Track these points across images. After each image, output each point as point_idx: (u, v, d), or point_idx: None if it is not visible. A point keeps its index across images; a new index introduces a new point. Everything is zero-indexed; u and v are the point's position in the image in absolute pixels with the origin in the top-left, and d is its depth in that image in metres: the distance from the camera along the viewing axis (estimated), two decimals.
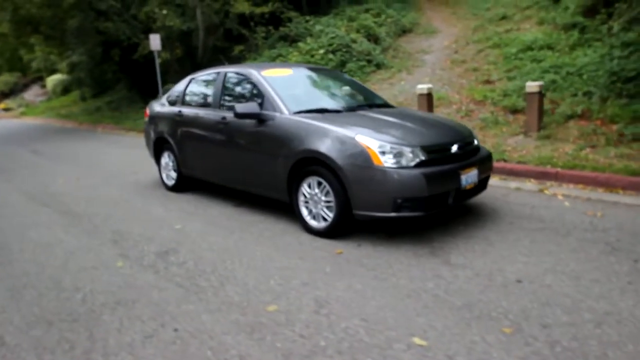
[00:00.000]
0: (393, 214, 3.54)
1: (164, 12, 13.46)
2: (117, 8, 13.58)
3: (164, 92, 14.41)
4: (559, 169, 5.28)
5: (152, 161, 6.26)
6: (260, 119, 4.28)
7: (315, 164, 3.85)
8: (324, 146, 3.71)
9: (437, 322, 2.53)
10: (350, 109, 4.44)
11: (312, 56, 13.08)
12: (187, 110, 5.36)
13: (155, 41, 12.80)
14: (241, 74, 4.83)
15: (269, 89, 4.38)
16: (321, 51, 12.91)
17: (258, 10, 14.27)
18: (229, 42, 15.58)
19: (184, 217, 4.72)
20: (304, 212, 4.03)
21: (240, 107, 4.23)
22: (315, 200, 3.91)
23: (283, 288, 3.03)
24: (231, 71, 4.98)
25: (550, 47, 10.73)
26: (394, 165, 3.49)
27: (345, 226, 3.80)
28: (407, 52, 13.92)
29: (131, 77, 17.95)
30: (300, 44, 13.82)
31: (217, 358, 2.31)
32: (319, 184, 3.85)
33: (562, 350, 2.24)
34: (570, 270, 3.09)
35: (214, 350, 2.38)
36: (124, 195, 5.79)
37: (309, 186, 3.94)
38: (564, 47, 10.53)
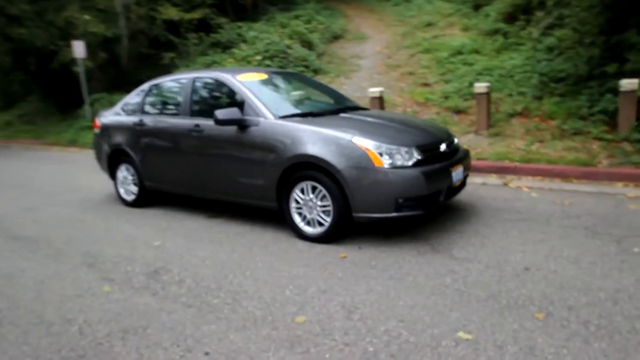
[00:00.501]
0: (394, 214, 3.56)
1: (86, 17, 12.57)
2: (30, 13, 12.45)
3: (91, 103, 13.46)
4: (517, 163, 5.62)
5: (93, 177, 5.79)
6: (242, 125, 4.11)
7: (309, 169, 3.76)
8: (320, 150, 3.65)
9: (472, 315, 2.57)
10: (332, 112, 4.41)
11: (249, 62, 12.89)
12: (149, 119, 5.03)
13: (79, 48, 11.91)
14: (213, 79, 4.62)
15: (249, 94, 4.23)
16: (258, 57, 12.76)
17: (187, 16, 13.80)
18: (156, 50, 14.90)
19: (158, 232, 4.41)
20: (297, 218, 3.93)
21: (221, 113, 4.04)
22: (309, 206, 3.83)
23: (302, 297, 2.92)
24: (200, 77, 4.75)
25: (477, 52, 11.43)
26: (394, 166, 3.51)
27: (343, 230, 3.76)
28: (341, 57, 14.17)
29: (46, 88, 16.54)
30: (235, 50, 13.57)
31: None
32: (314, 188, 3.77)
33: (596, 329, 2.37)
34: (566, 255, 3.29)
35: None
36: (76, 214, 5.29)
37: (302, 192, 3.84)
38: (491, 51, 11.27)
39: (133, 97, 5.42)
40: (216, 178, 4.42)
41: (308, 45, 14.44)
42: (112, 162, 5.55)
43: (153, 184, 5.11)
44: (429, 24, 15.23)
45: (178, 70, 13.74)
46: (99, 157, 5.80)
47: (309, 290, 3.00)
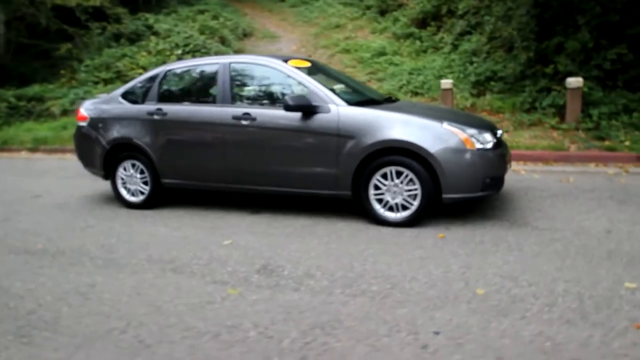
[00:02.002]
0: (480, 194, 3.81)
1: None
2: None
3: None
4: None
5: (34, 181, 5.02)
6: (310, 112, 3.98)
7: (392, 154, 3.81)
8: (412, 135, 3.73)
9: (617, 268, 2.94)
10: (387, 101, 4.49)
11: (167, 56, 12.08)
12: (172, 108, 4.53)
13: None
14: (259, 65, 4.37)
15: (311, 81, 4.11)
16: (178, 51, 12.02)
17: (90, 2, 12.34)
18: (46, 40, 13.06)
19: (212, 232, 4.03)
20: (376, 205, 3.95)
21: (293, 99, 3.89)
22: (393, 191, 3.88)
23: (454, 274, 3.00)
24: (238, 62, 4.45)
25: (397, 53, 12.29)
26: (481, 148, 3.76)
27: (428, 212, 3.89)
28: (259, 54, 14.01)
29: None
30: (150, 43, 12.56)
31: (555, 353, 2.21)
32: (399, 173, 3.83)
33: None
34: (627, 218, 3.86)
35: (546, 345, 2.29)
36: (71, 220, 4.53)
37: (384, 177, 3.88)
38: (410, 53, 12.20)
39: (140, 84, 4.81)
40: (273, 169, 4.20)
41: (222, 41, 14.01)
42: (109, 159, 4.85)
43: (175, 181, 4.61)
44: (337, 26, 15.81)
45: (82, 63, 12.25)
46: (85, 155, 5.03)
47: (452, 268, 3.10)
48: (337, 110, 3.94)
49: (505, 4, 9.73)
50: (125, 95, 4.84)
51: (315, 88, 4.06)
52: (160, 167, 4.59)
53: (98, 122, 4.85)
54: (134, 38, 13.31)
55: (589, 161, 5.82)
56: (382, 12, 15.32)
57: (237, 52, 14.29)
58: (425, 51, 12.00)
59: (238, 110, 4.25)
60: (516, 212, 4.16)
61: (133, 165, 4.76)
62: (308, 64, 4.57)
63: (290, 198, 4.78)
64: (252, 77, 4.45)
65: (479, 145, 3.75)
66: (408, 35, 13.10)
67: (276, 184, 4.26)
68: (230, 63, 4.42)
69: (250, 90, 4.41)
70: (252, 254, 3.52)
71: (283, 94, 4.22)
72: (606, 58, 6.86)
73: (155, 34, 13.23)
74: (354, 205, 4.29)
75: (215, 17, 15.37)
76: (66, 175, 6.91)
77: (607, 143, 6.02)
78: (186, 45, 12.29)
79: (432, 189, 3.77)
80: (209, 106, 4.41)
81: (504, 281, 2.88)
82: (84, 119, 4.98)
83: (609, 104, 6.50)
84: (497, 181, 3.87)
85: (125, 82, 11.59)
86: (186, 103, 4.57)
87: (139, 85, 4.82)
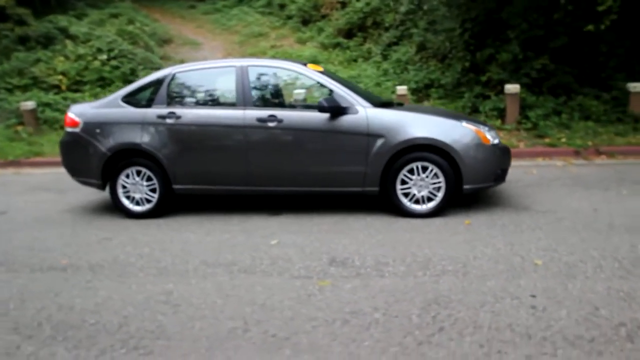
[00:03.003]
0: (492, 184, 4.33)
1: None
2: None
3: None
4: None
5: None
6: (338, 113, 4.19)
7: (420, 151, 4.17)
8: (437, 133, 4.13)
9: (624, 236, 3.59)
10: (397, 104, 4.85)
11: (90, 61, 11.30)
12: (185, 111, 4.42)
13: None
14: (279, 68, 4.49)
15: (335, 84, 4.33)
16: (103, 57, 11.31)
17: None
18: None
19: (249, 234, 4.03)
20: (404, 199, 4.27)
21: (327, 101, 4.09)
22: (420, 185, 4.23)
23: (515, 252, 3.43)
24: (258, 65, 4.50)
25: (329, 62, 12.80)
26: (494, 143, 4.28)
27: (450, 203, 4.30)
28: (184, 61, 13.68)
29: None
30: (67, 48, 11.59)
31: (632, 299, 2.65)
32: (424, 168, 4.20)
33: None
34: (601, 199, 4.61)
35: None
36: (88, 233, 4.19)
37: (410, 172, 4.22)
38: (342, 61, 12.79)
39: (144, 86, 4.60)
40: (299, 170, 4.31)
41: (144, 47, 13.44)
42: (109, 167, 4.56)
43: (189, 187, 4.49)
44: (260, 35, 15.99)
45: None
46: (76, 164, 4.67)
47: (498, 247, 3.52)
48: (365, 111, 4.20)
49: (430, 17, 10.73)
50: (127, 99, 4.59)
51: (341, 91, 4.28)
52: (172, 172, 4.44)
53: (94, 128, 4.53)
54: (44, 42, 12.17)
55: (536, 156, 6.73)
56: (305, 22, 15.78)
57: (163, 58, 13.78)
58: (355, 60, 12.65)
59: (262, 112, 4.30)
60: (510, 199, 4.75)
61: (138, 173, 4.52)
62: (321, 69, 4.76)
63: (294, 198, 4.89)
64: (273, 80, 4.52)
65: (492, 141, 4.26)
66: (335, 45, 13.69)
67: (302, 184, 4.37)
68: (248, 66, 4.44)
69: (273, 92, 4.47)
70: (309, 250, 3.62)
71: (311, 97, 4.36)
72: (533, 67, 7.96)
73: (70, 37, 12.23)
74: (379, 201, 4.56)
75: (130, 22, 14.63)
76: (17, 190, 6.22)
77: (547, 140, 7.01)
78: (110, 50, 11.57)
79: (454, 181, 4.19)
80: (229, 109, 4.39)
81: (548, 253, 3.36)
82: (74, 124, 4.62)
83: (542, 107, 7.56)
84: (504, 172, 4.42)
85: (44, 89, 10.61)
86: (201, 106, 4.49)
87: (143, 88, 4.61)
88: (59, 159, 8.23)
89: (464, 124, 4.25)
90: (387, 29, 12.72)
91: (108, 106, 4.61)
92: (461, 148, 4.13)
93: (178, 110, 4.43)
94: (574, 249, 3.41)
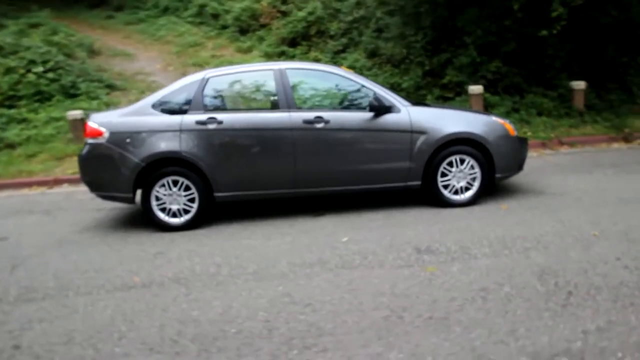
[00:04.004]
0: (516, 172, 4.77)
1: None
2: None
3: None
4: None
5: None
6: (382, 112, 4.37)
7: (459, 144, 4.47)
8: (474, 128, 4.47)
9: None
10: (424, 103, 5.14)
11: (24, 74, 10.35)
12: (227, 116, 4.31)
13: None
14: (321, 71, 4.58)
15: (375, 85, 4.50)
16: (38, 69, 10.41)
17: None
18: None
19: (311, 235, 4.03)
20: (444, 190, 4.54)
21: (377, 101, 4.27)
22: (458, 176, 4.53)
23: (566, 228, 3.83)
24: (296, 68, 4.54)
25: None
26: (517, 135, 4.73)
27: (484, 192, 4.65)
28: (124, 73, 13.02)
29: None
30: None
31: None
32: (462, 160, 4.51)
33: None
34: (597, 180, 5.27)
35: None
36: (134, 250, 3.90)
37: (449, 165, 4.51)
38: None
39: (176, 92, 4.39)
40: (347, 169, 4.41)
41: (78, 58, 12.57)
42: (141, 179, 4.30)
43: (232, 194, 4.37)
44: (197, 45, 15.64)
45: None
46: (101, 177, 4.33)
47: (545, 226, 3.90)
48: (407, 109, 4.42)
49: (376, 25, 11.30)
50: (158, 106, 4.36)
51: (381, 91, 4.46)
52: (214, 180, 4.30)
53: (124, 137, 4.24)
54: None
55: None
56: (243, 32, 15.67)
57: (99, 71, 12.94)
58: None
59: (309, 114, 4.34)
60: (521, 186, 5.23)
61: (175, 183, 4.31)
62: (352, 71, 4.90)
63: (320, 198, 4.97)
64: (313, 83, 4.56)
65: (516, 133, 4.70)
66: (280, 54, 13.79)
67: (349, 183, 4.47)
68: (285, 69, 4.45)
69: (315, 94, 4.52)
70: (386, 243, 3.74)
71: (351, 98, 4.48)
72: (488, 70, 8.74)
73: None
74: (421, 194, 4.76)
75: (54, 32, 13.54)
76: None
77: None
78: (45, 62, 10.62)
79: (487, 171, 4.55)
80: (273, 112, 4.36)
81: (596, 226, 3.82)
82: (97, 134, 4.28)
83: (502, 105, 8.33)
84: (523, 161, 4.87)
85: None
86: (241, 110, 4.40)
87: (175, 94, 4.40)
88: (16, 180, 7.49)
89: (494, 117, 4.64)
90: (332, 37, 13.09)
91: (137, 114, 4.34)
92: (494, 140, 4.51)
93: (219, 115, 4.30)
94: (616, 220, 3.90)
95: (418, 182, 4.53)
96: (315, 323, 2.60)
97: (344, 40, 12.67)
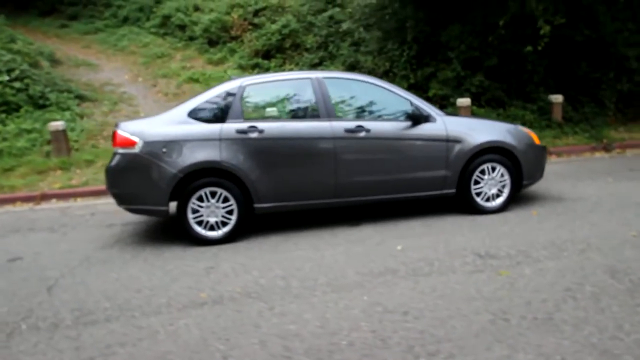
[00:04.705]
0: (539, 179, 4.98)
1: None
2: None
3: None
4: None
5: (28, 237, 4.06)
6: (425, 121, 4.44)
7: (490, 153, 4.61)
8: (504, 137, 4.63)
9: None
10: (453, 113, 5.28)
11: None
12: (268, 125, 4.20)
13: None
14: (356, 80, 4.62)
15: (408, 95, 4.57)
16: (4, 77, 9.77)
17: None
18: None
19: (359, 246, 3.99)
20: (476, 197, 4.65)
21: (417, 111, 4.34)
22: (490, 184, 4.66)
23: (603, 230, 4.04)
24: (333, 77, 4.52)
25: None
26: (540, 144, 4.94)
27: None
28: (91, 84, 12.45)
29: None
30: None
31: None
32: (493, 169, 4.65)
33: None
34: (597, 187, 5.60)
35: None
36: (177, 267, 3.68)
37: (482, 172, 4.63)
38: None
39: (212, 100, 4.23)
40: (386, 178, 4.42)
41: (42, 67, 11.92)
42: (177, 191, 4.09)
43: (273, 204, 4.25)
44: (164, 56, 15.27)
45: None
46: (134, 189, 4.08)
47: (581, 229, 4.10)
48: (442, 119, 4.51)
49: (353, 39, 11.51)
50: (194, 114, 4.18)
51: (417, 101, 4.53)
52: (255, 191, 4.17)
53: (160, 147, 4.03)
54: None
55: None
56: (212, 43, 15.44)
57: (66, 81, 12.28)
58: None
59: (350, 123, 4.32)
60: (539, 193, 5.43)
61: (213, 194, 4.14)
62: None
63: (353, 208, 4.95)
64: (350, 92, 4.54)
65: (540, 142, 4.91)
66: (254, 66, 13.69)
67: (388, 192, 4.48)
68: (323, 78, 4.42)
69: (353, 104, 4.50)
70: (443, 249, 3.78)
71: (388, 107, 4.51)
72: (472, 84, 9.11)
73: None
74: (455, 202, 4.83)
75: (12, 40, 12.73)
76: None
77: None
78: (10, 70, 9.93)
79: (516, 178, 4.71)
80: (314, 121, 4.30)
81: (630, 227, 4.06)
82: (130, 144, 4.04)
83: (488, 117, 8.68)
84: (544, 169, 5.08)
85: None
86: (282, 119, 4.31)
87: (211, 102, 4.24)
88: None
89: (520, 127, 4.83)
90: (307, 50, 13.17)
91: (173, 122, 4.13)
92: (522, 148, 4.69)
93: (259, 124, 4.19)
94: None
95: (453, 190, 4.61)
96: (425, 330, 2.57)
97: (320, 53, 12.78)
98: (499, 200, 4.71)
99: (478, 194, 4.66)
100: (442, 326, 2.60)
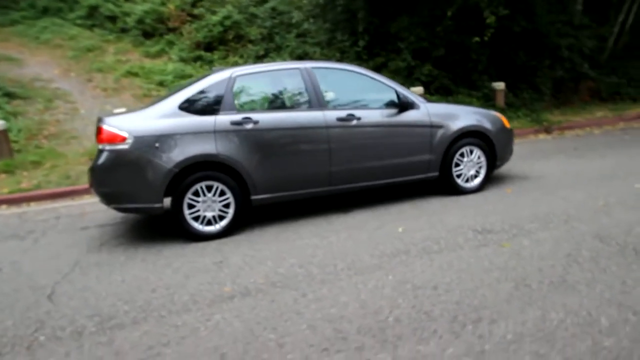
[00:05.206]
0: (508, 160, 5.36)
1: None
2: None
3: None
4: None
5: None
6: (405, 109, 4.62)
7: (470, 137, 4.90)
8: (481, 121, 4.94)
9: (635, 182, 5.02)
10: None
11: None
12: (261, 116, 4.17)
13: None
14: (344, 70, 4.67)
15: (393, 84, 4.71)
16: None
17: None
18: None
19: (361, 230, 4.10)
20: (457, 179, 4.93)
21: (405, 98, 4.51)
22: (469, 166, 4.96)
23: (586, 203, 4.45)
24: (321, 67, 4.53)
25: (191, 75, 12.43)
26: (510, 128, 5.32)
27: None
28: (19, 80, 11.52)
29: None
30: None
31: None
32: (471, 151, 4.95)
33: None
34: (564, 163, 6.12)
35: None
36: (185, 265, 3.58)
37: (462, 156, 4.91)
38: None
39: (203, 92, 4.11)
40: (377, 164, 4.55)
41: None
42: (172, 186, 3.96)
43: (270, 196, 4.24)
44: (95, 49, 14.44)
45: None
46: (123, 187, 3.89)
47: (559, 203, 4.51)
48: (425, 106, 4.72)
49: (299, 30, 11.58)
50: (186, 106, 4.04)
51: (401, 89, 4.69)
52: (252, 183, 4.13)
53: (152, 142, 3.86)
54: None
55: None
56: (147, 36, 14.76)
57: None
58: None
59: (342, 112, 4.39)
60: (504, 172, 5.85)
61: (209, 188, 4.05)
62: None
63: (342, 196, 5.07)
64: (338, 81, 4.60)
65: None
66: (196, 58, 13.30)
67: (379, 178, 4.62)
68: (312, 68, 4.44)
69: (343, 92, 4.55)
70: (442, 228, 3.99)
71: (374, 96, 4.62)
72: (422, 73, 9.51)
73: None
74: (437, 184, 5.06)
75: None
76: None
77: None
78: None
79: (491, 160, 5.04)
80: (306, 111, 4.32)
81: (596, 200, 4.50)
82: (119, 139, 3.83)
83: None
84: (513, 149, 5.48)
85: None
86: (274, 109, 4.29)
87: (202, 93, 4.12)
88: None
89: (493, 112, 5.16)
90: (252, 42, 13.00)
91: (165, 115, 3.97)
92: (496, 132, 5.02)
93: (254, 115, 4.14)
94: (605, 193, 4.63)
95: (436, 173, 4.85)
96: (460, 301, 2.73)
97: (265, 44, 12.67)
98: (477, 181, 5.02)
99: (458, 176, 4.94)
100: (474, 296, 2.78)
